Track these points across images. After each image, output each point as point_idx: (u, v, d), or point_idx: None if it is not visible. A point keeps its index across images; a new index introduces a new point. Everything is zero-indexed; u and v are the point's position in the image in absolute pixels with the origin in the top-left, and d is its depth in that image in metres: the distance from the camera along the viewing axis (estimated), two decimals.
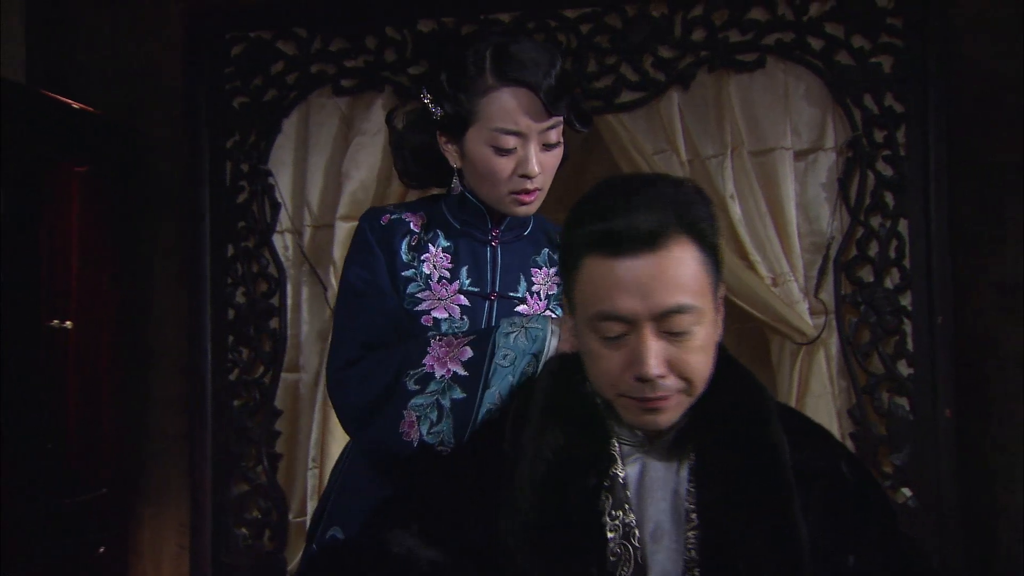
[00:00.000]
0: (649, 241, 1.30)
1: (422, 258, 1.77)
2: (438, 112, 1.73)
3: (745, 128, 3.01)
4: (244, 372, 3.30)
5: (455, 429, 1.60)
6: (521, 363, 1.62)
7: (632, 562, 1.34)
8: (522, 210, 1.76)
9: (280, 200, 3.27)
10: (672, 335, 1.31)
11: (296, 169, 3.29)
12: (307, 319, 3.26)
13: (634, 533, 1.36)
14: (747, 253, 2.98)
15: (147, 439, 3.47)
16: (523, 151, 1.70)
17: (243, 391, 3.30)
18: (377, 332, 1.73)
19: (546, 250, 1.88)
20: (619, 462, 1.39)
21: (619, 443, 1.41)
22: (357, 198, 3.18)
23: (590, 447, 1.39)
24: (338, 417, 1.76)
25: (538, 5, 3.11)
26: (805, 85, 2.99)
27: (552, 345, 1.64)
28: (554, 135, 1.72)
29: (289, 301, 3.27)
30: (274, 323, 3.28)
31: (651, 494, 1.39)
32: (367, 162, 3.19)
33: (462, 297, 1.77)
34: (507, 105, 1.67)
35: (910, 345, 2.91)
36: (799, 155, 2.99)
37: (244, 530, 3.29)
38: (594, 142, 3.24)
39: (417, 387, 1.62)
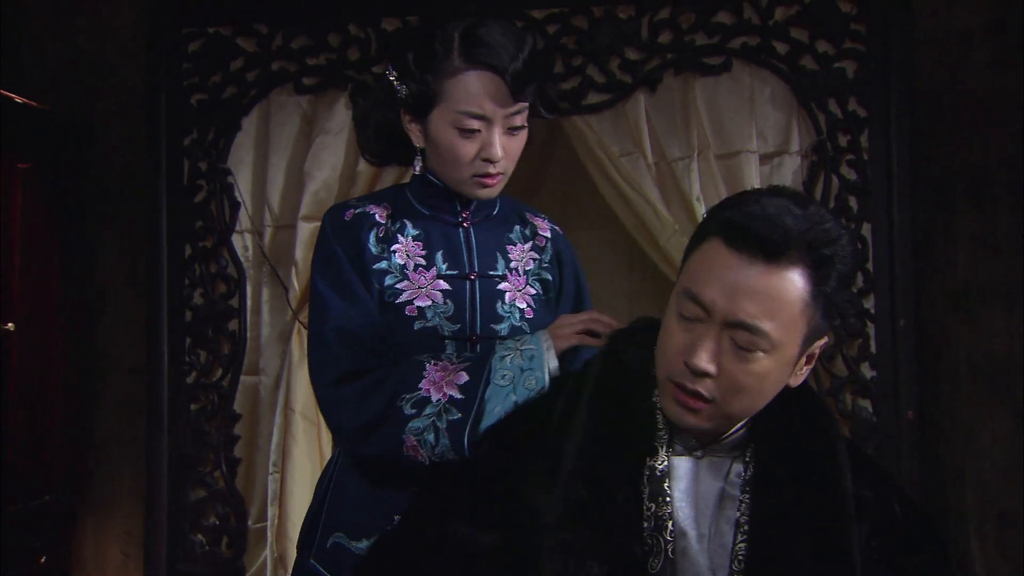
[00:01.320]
0: (767, 251, 1.27)
1: (392, 249, 1.76)
2: (403, 91, 1.72)
3: (711, 131, 3.02)
4: (202, 375, 3.22)
5: (453, 445, 1.60)
6: (521, 381, 1.61)
7: (663, 555, 1.34)
8: (484, 192, 1.76)
9: (240, 199, 3.21)
10: (737, 346, 1.29)
11: (256, 168, 3.23)
12: (268, 321, 3.20)
13: (666, 527, 1.35)
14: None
15: (92, 444, 3.38)
16: (487, 134, 1.69)
17: (201, 395, 3.23)
18: (356, 335, 1.71)
19: (518, 227, 1.88)
20: (660, 454, 1.39)
21: (672, 441, 1.40)
22: (319, 198, 3.12)
23: (632, 434, 1.39)
24: (332, 433, 1.77)
25: (504, 5, 3.08)
26: (770, 89, 3.01)
27: (552, 363, 1.65)
28: (519, 119, 1.72)
29: (249, 303, 3.20)
30: (233, 325, 3.21)
31: (701, 497, 1.39)
32: (330, 162, 3.14)
33: (442, 282, 1.76)
34: (472, 88, 1.67)
35: (873, 348, 2.94)
36: (764, 158, 3.01)
37: (200, 536, 3.21)
38: (560, 143, 3.23)
39: (414, 411, 1.61)
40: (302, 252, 3.10)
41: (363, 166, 3.11)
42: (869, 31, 2.97)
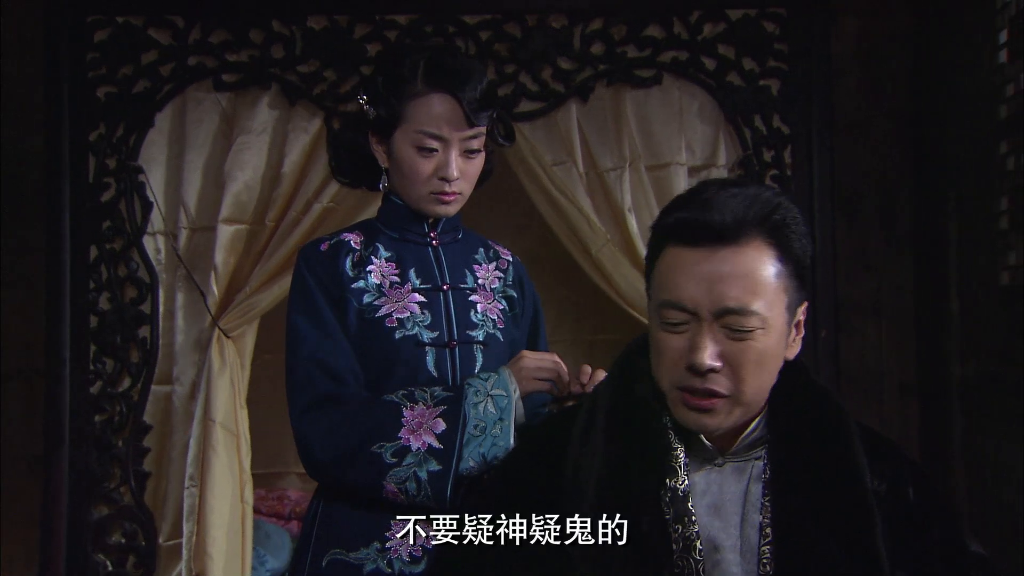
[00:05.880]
0: (726, 235, 1.30)
1: (367, 270, 1.84)
2: (371, 113, 1.84)
3: (641, 143, 3.05)
4: (108, 384, 3.03)
5: (435, 497, 1.69)
6: (490, 431, 1.71)
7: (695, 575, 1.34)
8: (441, 209, 1.86)
9: (152, 199, 3.04)
10: (732, 332, 1.31)
11: (170, 167, 3.06)
12: (182, 327, 3.02)
13: (695, 547, 1.35)
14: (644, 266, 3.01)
15: None
16: (444, 155, 1.81)
17: (107, 405, 3.04)
18: (326, 363, 1.78)
19: (482, 250, 2.00)
20: (679, 474, 1.38)
21: (687, 456, 1.40)
22: (240, 200, 3.00)
23: (648, 457, 1.39)
24: (304, 464, 1.79)
25: (437, 9, 3.05)
26: (698, 103, 3.07)
27: (519, 409, 1.75)
28: (475, 143, 1.83)
29: (161, 308, 3.03)
30: (144, 331, 3.04)
31: (725, 507, 1.38)
32: (251, 163, 3.01)
33: (417, 295, 1.85)
34: (433, 110, 1.79)
35: None
36: (693, 171, 3.05)
37: (103, 557, 3.02)
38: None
39: (395, 460, 1.69)
40: (222, 256, 2.97)
41: (288, 168, 3.00)
42: (791, 51, 3.07)
